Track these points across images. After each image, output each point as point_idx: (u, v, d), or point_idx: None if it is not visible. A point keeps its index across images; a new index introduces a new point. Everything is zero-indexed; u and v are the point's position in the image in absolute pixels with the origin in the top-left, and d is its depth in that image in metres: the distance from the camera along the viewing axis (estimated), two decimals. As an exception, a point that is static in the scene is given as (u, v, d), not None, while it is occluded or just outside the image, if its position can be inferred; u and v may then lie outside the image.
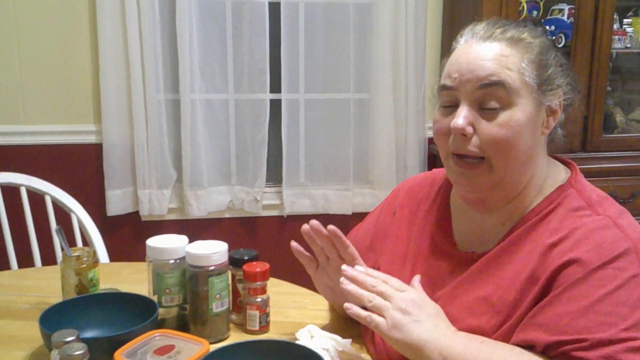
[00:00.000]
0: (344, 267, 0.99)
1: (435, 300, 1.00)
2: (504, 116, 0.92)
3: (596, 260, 0.86)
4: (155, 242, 1.17)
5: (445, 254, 1.06)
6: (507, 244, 0.97)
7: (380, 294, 0.95)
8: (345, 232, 1.37)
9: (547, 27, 2.59)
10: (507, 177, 0.95)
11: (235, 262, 1.21)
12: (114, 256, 1.92)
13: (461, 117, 0.93)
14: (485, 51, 0.94)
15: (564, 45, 2.55)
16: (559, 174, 1.02)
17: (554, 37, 2.57)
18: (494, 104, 0.92)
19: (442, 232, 1.09)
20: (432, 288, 1.04)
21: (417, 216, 1.14)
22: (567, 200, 0.96)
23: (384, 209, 1.25)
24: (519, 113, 0.92)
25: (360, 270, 1.00)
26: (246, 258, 1.21)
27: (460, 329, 0.94)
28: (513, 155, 0.93)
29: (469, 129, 0.93)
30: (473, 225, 1.05)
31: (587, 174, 1.05)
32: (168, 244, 1.16)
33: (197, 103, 2.57)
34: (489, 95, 0.92)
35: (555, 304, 0.87)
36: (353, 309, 0.94)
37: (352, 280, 0.97)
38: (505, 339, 0.91)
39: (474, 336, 0.92)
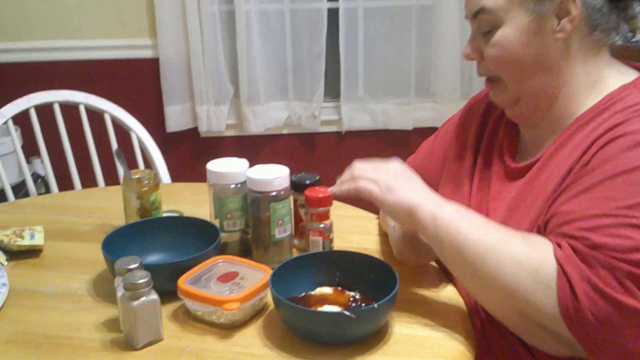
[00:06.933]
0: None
1: (488, 205, 1.04)
2: (495, 36, 0.97)
3: (631, 140, 0.84)
4: (215, 166, 1.14)
5: (505, 167, 1.06)
6: (555, 148, 0.96)
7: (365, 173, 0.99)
8: (406, 148, 1.31)
9: None
10: (523, 89, 0.99)
11: (297, 186, 1.17)
12: (173, 174, 1.92)
13: (467, 45, 1.03)
14: None
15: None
16: (626, 77, 0.97)
17: None
18: (486, 27, 0.98)
19: (508, 146, 1.08)
20: (486, 199, 1.06)
21: (486, 130, 1.14)
22: (626, 98, 0.91)
23: (449, 130, 1.24)
24: (508, 29, 0.96)
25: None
26: (308, 182, 1.17)
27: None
28: (516, 70, 0.98)
29: (474, 55, 1.02)
30: (531, 137, 1.06)
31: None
32: (229, 169, 1.13)
33: (252, 14, 2.48)
34: (481, 21, 0.99)
35: (577, 185, 0.87)
36: (335, 188, 1.03)
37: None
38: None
39: (465, 208, 0.94)
